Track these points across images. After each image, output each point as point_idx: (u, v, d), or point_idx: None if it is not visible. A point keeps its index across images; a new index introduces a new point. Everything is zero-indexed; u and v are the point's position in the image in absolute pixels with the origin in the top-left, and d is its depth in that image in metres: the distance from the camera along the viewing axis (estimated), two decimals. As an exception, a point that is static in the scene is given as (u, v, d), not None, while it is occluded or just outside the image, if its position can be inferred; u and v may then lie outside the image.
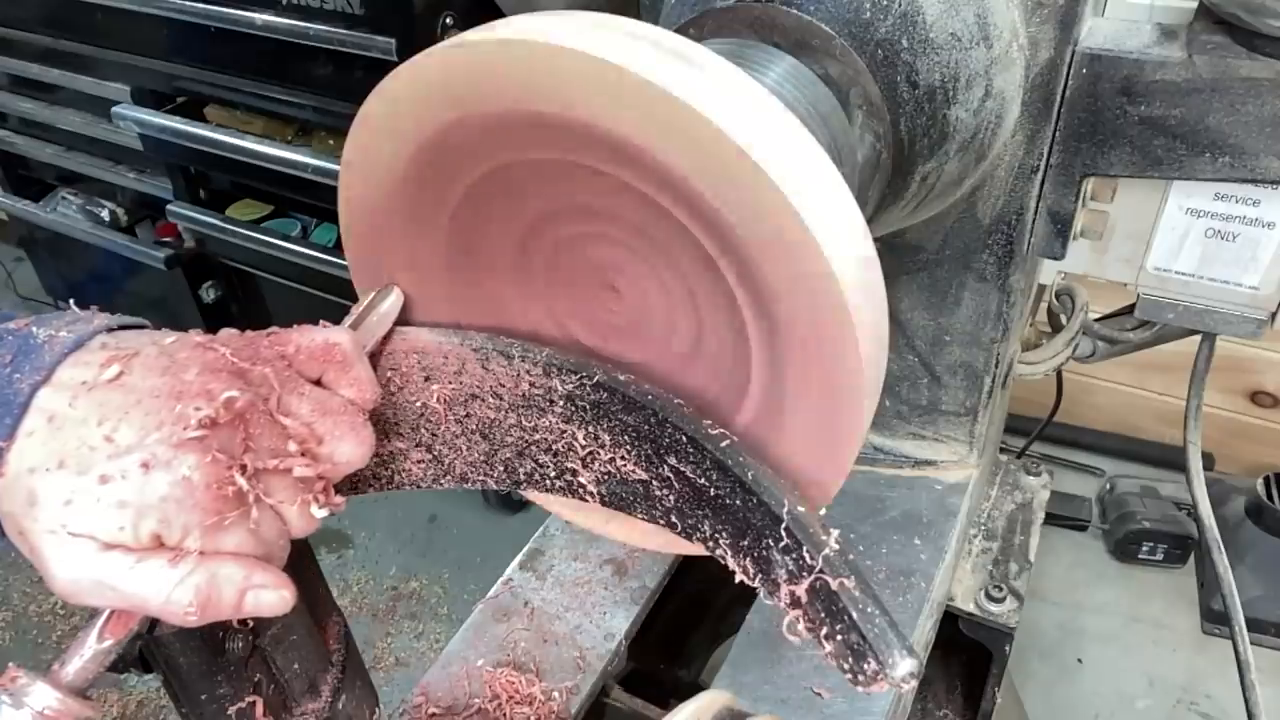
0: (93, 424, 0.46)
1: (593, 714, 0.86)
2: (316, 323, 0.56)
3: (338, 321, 0.59)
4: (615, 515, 0.61)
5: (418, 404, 0.62)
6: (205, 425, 0.47)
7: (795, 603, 0.51)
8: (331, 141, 1.84)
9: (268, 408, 0.50)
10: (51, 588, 0.47)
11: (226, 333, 0.53)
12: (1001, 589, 1.02)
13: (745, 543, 0.53)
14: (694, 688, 1.04)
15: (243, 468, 0.48)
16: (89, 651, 0.50)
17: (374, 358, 0.60)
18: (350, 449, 0.53)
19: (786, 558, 0.51)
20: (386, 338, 0.61)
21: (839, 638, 0.49)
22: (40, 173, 2.51)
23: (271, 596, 0.50)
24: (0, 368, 0.47)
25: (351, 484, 0.62)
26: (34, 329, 0.50)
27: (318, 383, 0.54)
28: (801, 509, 0.51)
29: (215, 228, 2.04)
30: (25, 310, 3.00)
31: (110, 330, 0.52)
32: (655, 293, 0.58)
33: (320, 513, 0.52)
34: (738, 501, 0.53)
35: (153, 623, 0.53)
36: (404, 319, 0.63)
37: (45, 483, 0.46)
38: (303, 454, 0.51)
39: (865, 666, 0.48)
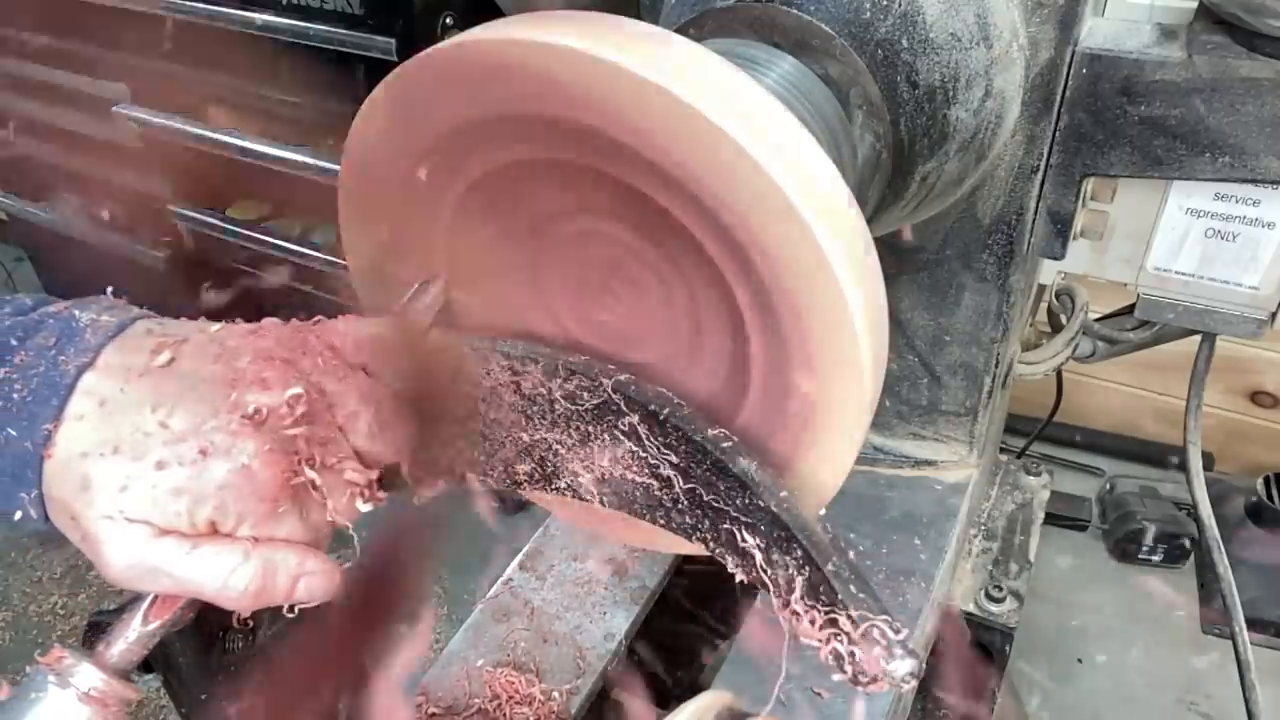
0: (146, 410, 0.47)
1: (593, 714, 0.86)
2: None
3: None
4: (615, 515, 0.61)
5: (418, 404, 0.62)
6: (261, 414, 0.47)
7: (795, 602, 0.51)
8: (331, 141, 1.84)
9: (321, 398, 0.50)
10: (104, 574, 0.47)
11: (270, 322, 0.53)
12: (1001, 589, 1.02)
13: (745, 543, 0.53)
14: (694, 688, 1.04)
15: (309, 459, 0.48)
16: (134, 634, 0.50)
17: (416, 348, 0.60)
18: (397, 439, 0.53)
19: (786, 558, 0.51)
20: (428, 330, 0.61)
21: (839, 637, 0.49)
22: (40, 173, 2.50)
23: (322, 582, 0.51)
24: (45, 350, 0.47)
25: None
26: (76, 312, 0.50)
27: (363, 371, 0.54)
28: (801, 509, 0.51)
29: (215, 228, 2.03)
30: (25, 310, 2.99)
31: (148, 316, 0.52)
32: (654, 292, 0.58)
33: (365, 506, 0.53)
34: (738, 501, 0.53)
35: (197, 607, 0.53)
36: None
37: (99, 468, 0.46)
38: (349, 442, 0.51)
39: (865, 666, 0.48)
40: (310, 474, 0.48)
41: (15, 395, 0.46)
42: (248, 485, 0.47)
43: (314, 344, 0.52)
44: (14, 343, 0.48)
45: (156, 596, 0.51)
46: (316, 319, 0.55)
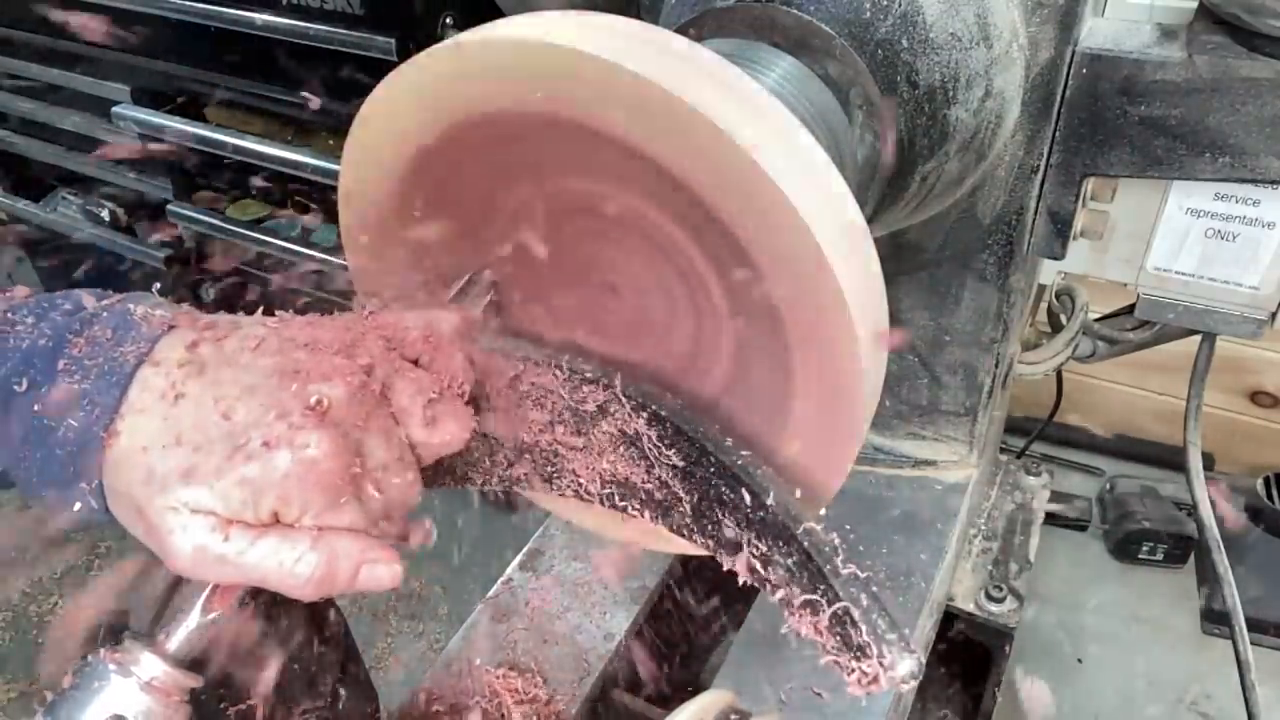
0: (208, 401, 0.47)
1: (593, 714, 0.86)
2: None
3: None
4: (615, 515, 0.61)
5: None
6: (323, 405, 0.47)
7: (794, 602, 0.51)
8: (331, 141, 1.84)
9: (379, 391, 0.51)
10: (169, 564, 0.48)
11: (316, 318, 0.54)
12: (1001, 589, 1.02)
13: (745, 543, 0.53)
14: (694, 688, 1.04)
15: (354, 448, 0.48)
16: (194, 623, 0.51)
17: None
18: (451, 431, 0.54)
19: (787, 558, 0.51)
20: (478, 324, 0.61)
21: (839, 637, 0.49)
22: (40, 173, 2.51)
23: (384, 571, 0.51)
24: (102, 342, 0.48)
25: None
26: (130, 305, 0.50)
27: (415, 363, 0.54)
28: (802, 510, 0.51)
29: (215, 228, 2.03)
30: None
31: (195, 311, 0.52)
32: (655, 293, 0.58)
33: (415, 500, 0.53)
34: (738, 502, 0.53)
35: (254, 595, 0.54)
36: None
37: (163, 459, 0.46)
38: (405, 436, 0.52)
39: (865, 666, 0.48)
40: (371, 463, 0.49)
41: (75, 387, 0.47)
42: (311, 476, 0.47)
43: (370, 336, 0.53)
44: (70, 335, 0.48)
45: (216, 586, 0.51)
46: (369, 309, 0.55)
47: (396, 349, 0.53)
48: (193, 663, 0.52)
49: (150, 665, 0.49)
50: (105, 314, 0.50)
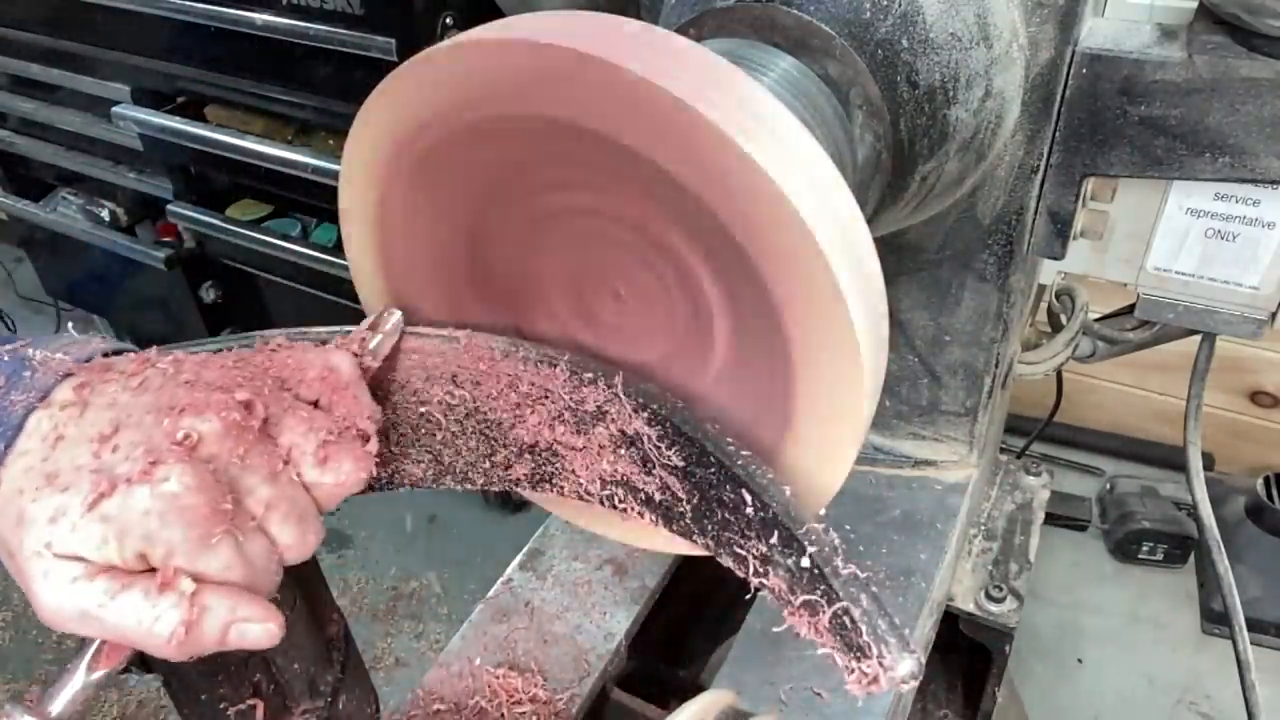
0: (83, 442, 0.46)
1: (593, 714, 0.86)
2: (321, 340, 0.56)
3: (338, 323, 0.59)
4: (615, 515, 0.61)
5: (418, 405, 0.62)
6: (191, 440, 0.46)
7: (794, 602, 0.51)
8: (331, 141, 1.84)
9: (260, 426, 0.49)
10: (39, 616, 0.46)
11: (211, 356, 0.53)
12: (1001, 589, 1.02)
13: (745, 543, 0.53)
14: (694, 688, 1.04)
15: (245, 489, 0.47)
16: (79, 683, 0.49)
17: (376, 373, 0.60)
18: (347, 471, 0.52)
19: (787, 559, 0.51)
20: (390, 357, 0.61)
21: (839, 637, 0.49)
22: (40, 173, 2.51)
23: (257, 630, 0.48)
24: None
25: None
26: (31, 351, 0.49)
27: (315, 404, 0.53)
28: (802, 510, 0.51)
29: (215, 228, 2.04)
30: (25, 310, 3.00)
31: (107, 355, 0.51)
32: (654, 294, 0.58)
33: (311, 540, 0.51)
34: (739, 502, 0.53)
35: (143, 655, 0.51)
36: (404, 320, 0.63)
37: (34, 500, 0.45)
38: (296, 475, 0.50)
39: (865, 666, 0.48)
40: (250, 501, 0.47)
41: None
42: (173, 511, 0.45)
43: (261, 374, 0.52)
44: None
45: (103, 643, 0.49)
46: (272, 345, 0.54)
47: (291, 389, 0.52)
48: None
49: None
50: (4, 359, 0.48)
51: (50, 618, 0.46)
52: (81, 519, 0.44)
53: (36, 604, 0.46)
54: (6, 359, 0.49)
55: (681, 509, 0.57)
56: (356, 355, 0.57)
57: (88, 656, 0.49)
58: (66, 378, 0.48)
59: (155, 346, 0.53)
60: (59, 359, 0.49)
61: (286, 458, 0.50)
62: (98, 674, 0.49)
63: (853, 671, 0.49)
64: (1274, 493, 1.89)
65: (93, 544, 0.45)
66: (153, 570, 0.46)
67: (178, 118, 1.90)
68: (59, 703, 0.48)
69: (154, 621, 0.45)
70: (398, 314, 0.61)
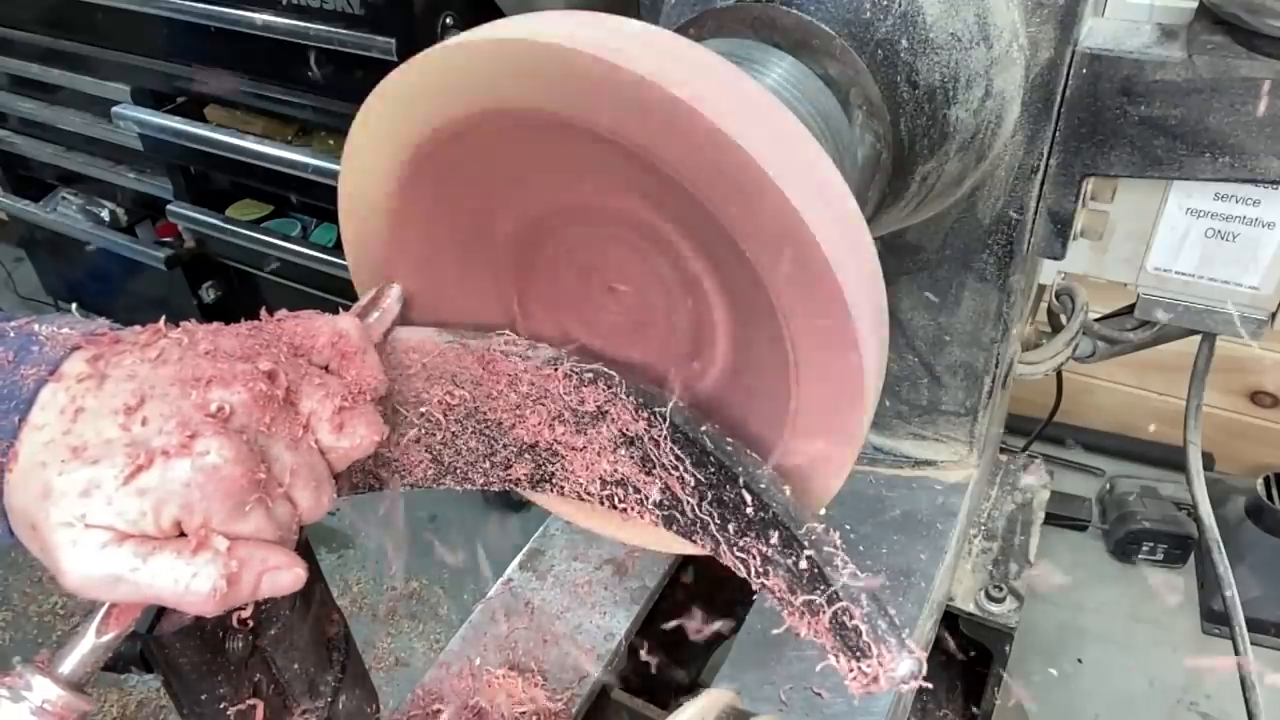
0: (106, 414, 0.46)
1: (593, 714, 0.86)
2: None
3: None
4: (615, 515, 0.61)
5: (418, 404, 0.62)
6: (225, 411, 0.47)
7: (794, 603, 0.51)
8: (331, 141, 1.84)
9: (284, 395, 0.50)
10: (62, 583, 0.47)
11: (220, 326, 0.53)
12: (1001, 589, 1.02)
13: (745, 543, 0.53)
14: (694, 688, 1.04)
15: (274, 456, 0.48)
16: (88, 645, 0.50)
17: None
18: (362, 435, 0.53)
19: (787, 559, 0.51)
20: (386, 334, 0.61)
21: (839, 638, 0.49)
22: (40, 173, 2.51)
23: (286, 577, 0.50)
24: (4, 365, 0.47)
25: (352, 484, 0.62)
26: (37, 327, 0.50)
27: (325, 369, 0.54)
28: (803, 510, 0.51)
29: (215, 228, 2.04)
30: (25, 310, 2.99)
31: (114, 328, 0.51)
32: (654, 294, 0.58)
33: (328, 503, 0.52)
34: (739, 503, 0.53)
35: (154, 618, 0.52)
36: (404, 319, 0.63)
37: (60, 474, 0.45)
38: (315, 441, 0.51)
39: (865, 666, 0.48)
40: (277, 469, 0.48)
41: None
42: (213, 483, 0.46)
43: (275, 342, 0.52)
44: None
45: (112, 606, 0.50)
46: (278, 315, 0.55)
47: (304, 355, 0.53)
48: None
49: (42, 689, 0.48)
50: (11, 334, 0.49)
51: (77, 584, 0.46)
52: (117, 492, 0.45)
53: (62, 572, 0.46)
54: (13, 334, 0.49)
55: (681, 509, 0.57)
56: (362, 319, 0.58)
57: (97, 619, 0.50)
58: (75, 350, 0.49)
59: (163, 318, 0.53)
60: (66, 333, 0.49)
61: (305, 424, 0.51)
62: (107, 636, 0.50)
63: (853, 671, 0.49)
64: (1274, 493, 1.89)
65: (130, 516, 0.45)
66: (179, 534, 0.47)
67: (178, 118, 1.90)
68: (69, 664, 0.49)
69: (191, 578, 0.46)
70: (397, 287, 0.62)
